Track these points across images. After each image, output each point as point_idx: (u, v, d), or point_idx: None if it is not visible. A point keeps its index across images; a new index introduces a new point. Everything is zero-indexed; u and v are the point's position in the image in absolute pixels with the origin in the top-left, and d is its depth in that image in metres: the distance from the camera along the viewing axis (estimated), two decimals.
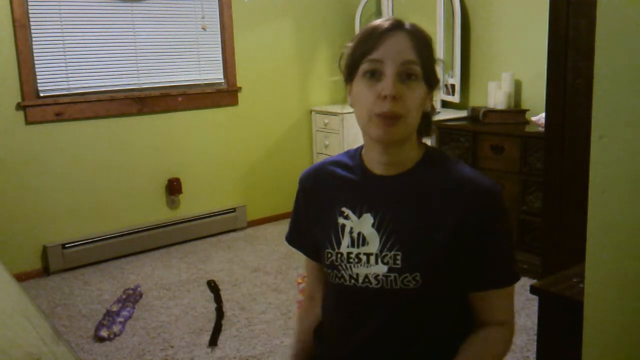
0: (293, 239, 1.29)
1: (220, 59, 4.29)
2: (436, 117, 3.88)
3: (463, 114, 3.92)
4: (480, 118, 3.67)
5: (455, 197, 1.06)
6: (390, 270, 1.06)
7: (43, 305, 3.20)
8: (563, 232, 2.79)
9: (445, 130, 3.77)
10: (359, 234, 1.10)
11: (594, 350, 1.05)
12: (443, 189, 1.08)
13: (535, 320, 1.87)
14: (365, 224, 1.10)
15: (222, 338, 2.82)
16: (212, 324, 2.94)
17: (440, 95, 4.16)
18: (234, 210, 4.40)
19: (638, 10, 0.91)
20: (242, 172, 4.48)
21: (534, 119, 3.46)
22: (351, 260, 1.10)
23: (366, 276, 1.08)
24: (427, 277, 1.05)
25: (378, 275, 1.07)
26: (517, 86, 3.84)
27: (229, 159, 4.40)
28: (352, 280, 1.10)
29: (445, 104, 4.22)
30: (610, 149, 0.98)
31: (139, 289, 3.32)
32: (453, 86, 4.11)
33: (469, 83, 4.17)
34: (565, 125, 2.76)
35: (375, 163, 1.13)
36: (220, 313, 3.05)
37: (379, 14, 4.63)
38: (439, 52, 4.09)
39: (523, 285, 3.22)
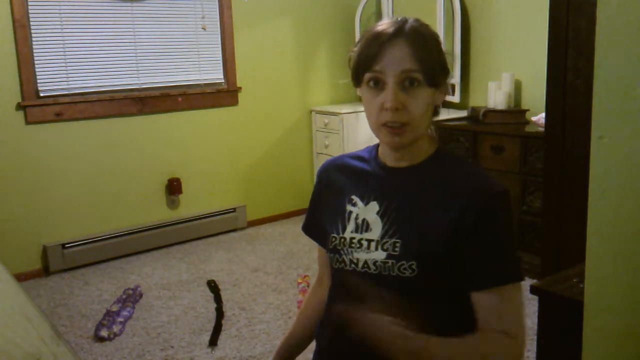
0: (307, 227, 1.33)
1: (220, 59, 4.29)
2: (436, 117, 3.86)
3: (463, 114, 3.92)
4: (480, 118, 3.67)
5: (458, 193, 1.08)
6: (388, 256, 1.09)
7: (43, 305, 3.20)
8: (563, 232, 2.79)
9: (445, 130, 3.77)
10: (363, 220, 1.14)
11: (594, 350, 1.05)
12: (447, 184, 1.10)
13: (535, 320, 1.87)
14: (370, 211, 1.14)
15: (222, 338, 2.82)
16: (212, 324, 2.94)
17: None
18: (234, 210, 4.40)
19: (638, 10, 0.91)
20: (242, 172, 4.48)
21: (534, 119, 3.46)
22: (353, 245, 1.13)
23: (365, 261, 1.11)
24: (423, 268, 1.06)
25: (377, 261, 1.10)
26: (517, 86, 3.84)
27: (229, 159, 4.40)
28: (352, 265, 1.13)
29: (445, 104, 4.21)
30: (610, 149, 0.98)
31: (139, 289, 3.32)
32: (453, 86, 4.11)
33: (469, 83, 4.17)
34: (565, 125, 2.76)
35: (388, 156, 1.17)
36: (220, 313, 3.05)
37: (379, 14, 4.63)
38: None
39: (523, 285, 3.22)
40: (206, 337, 2.83)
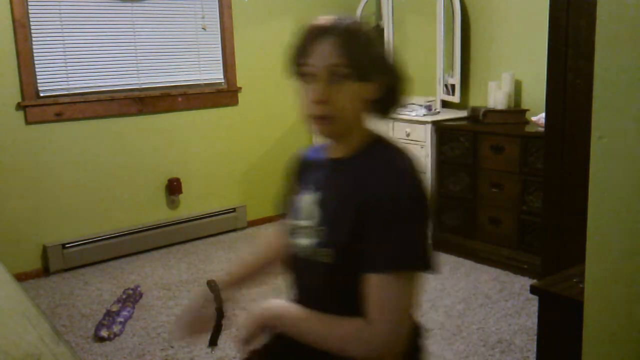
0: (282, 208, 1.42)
1: (220, 59, 4.29)
2: (436, 117, 3.88)
3: (463, 114, 3.91)
4: (480, 118, 3.67)
5: (365, 182, 1.12)
6: (315, 243, 1.17)
7: (43, 305, 3.20)
8: (563, 232, 2.79)
9: (445, 130, 3.77)
10: (306, 208, 1.23)
11: (594, 350, 1.05)
12: (362, 174, 1.15)
13: (535, 320, 1.88)
14: (311, 200, 1.23)
15: (222, 338, 2.81)
16: (212, 324, 2.93)
17: (440, 95, 4.16)
18: (234, 210, 4.40)
19: (638, 10, 0.91)
20: (242, 172, 4.48)
21: (534, 119, 3.46)
22: (297, 231, 1.23)
23: (302, 246, 1.21)
24: (337, 256, 1.13)
25: (308, 247, 1.19)
26: (517, 86, 3.84)
27: (229, 159, 4.40)
28: (296, 249, 1.23)
29: (445, 104, 4.22)
30: (610, 149, 0.98)
31: (139, 289, 3.32)
32: (453, 86, 4.11)
33: (469, 83, 4.17)
34: (565, 125, 2.76)
35: (329, 147, 1.24)
36: (220, 313, 3.04)
37: (379, 14, 4.63)
38: (439, 52, 4.09)
39: (523, 285, 3.22)
40: (206, 337, 2.82)
